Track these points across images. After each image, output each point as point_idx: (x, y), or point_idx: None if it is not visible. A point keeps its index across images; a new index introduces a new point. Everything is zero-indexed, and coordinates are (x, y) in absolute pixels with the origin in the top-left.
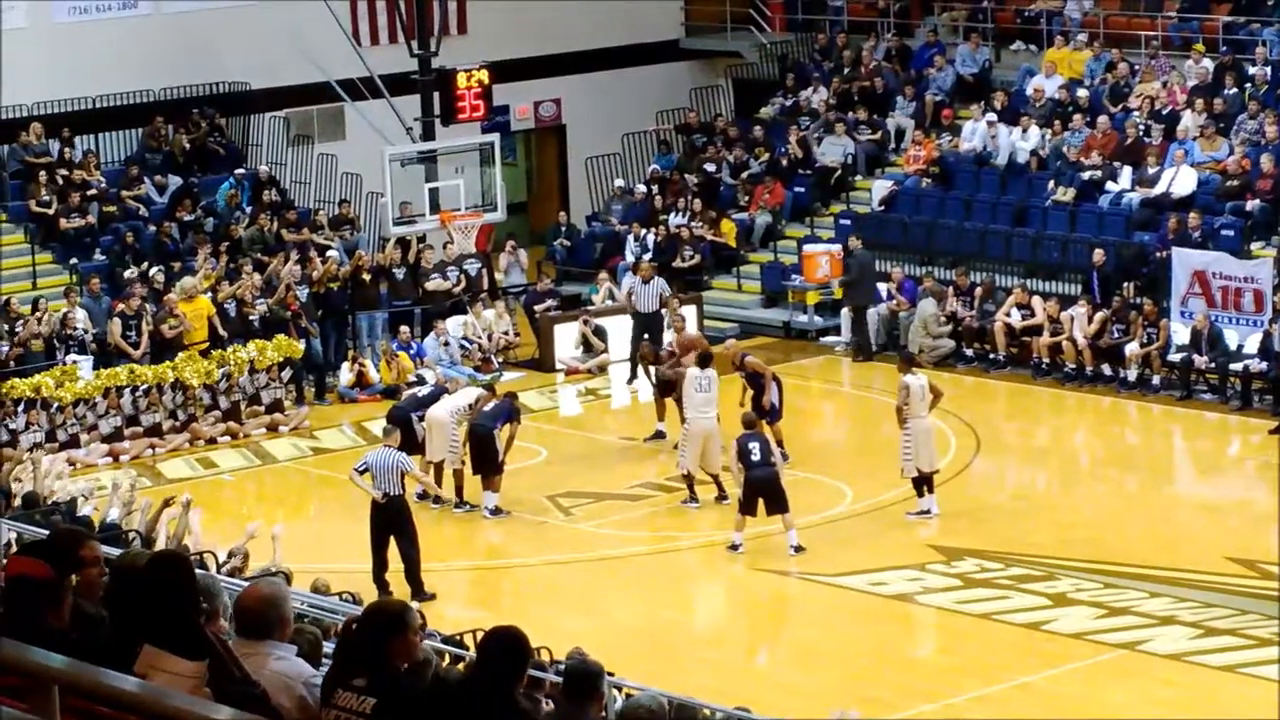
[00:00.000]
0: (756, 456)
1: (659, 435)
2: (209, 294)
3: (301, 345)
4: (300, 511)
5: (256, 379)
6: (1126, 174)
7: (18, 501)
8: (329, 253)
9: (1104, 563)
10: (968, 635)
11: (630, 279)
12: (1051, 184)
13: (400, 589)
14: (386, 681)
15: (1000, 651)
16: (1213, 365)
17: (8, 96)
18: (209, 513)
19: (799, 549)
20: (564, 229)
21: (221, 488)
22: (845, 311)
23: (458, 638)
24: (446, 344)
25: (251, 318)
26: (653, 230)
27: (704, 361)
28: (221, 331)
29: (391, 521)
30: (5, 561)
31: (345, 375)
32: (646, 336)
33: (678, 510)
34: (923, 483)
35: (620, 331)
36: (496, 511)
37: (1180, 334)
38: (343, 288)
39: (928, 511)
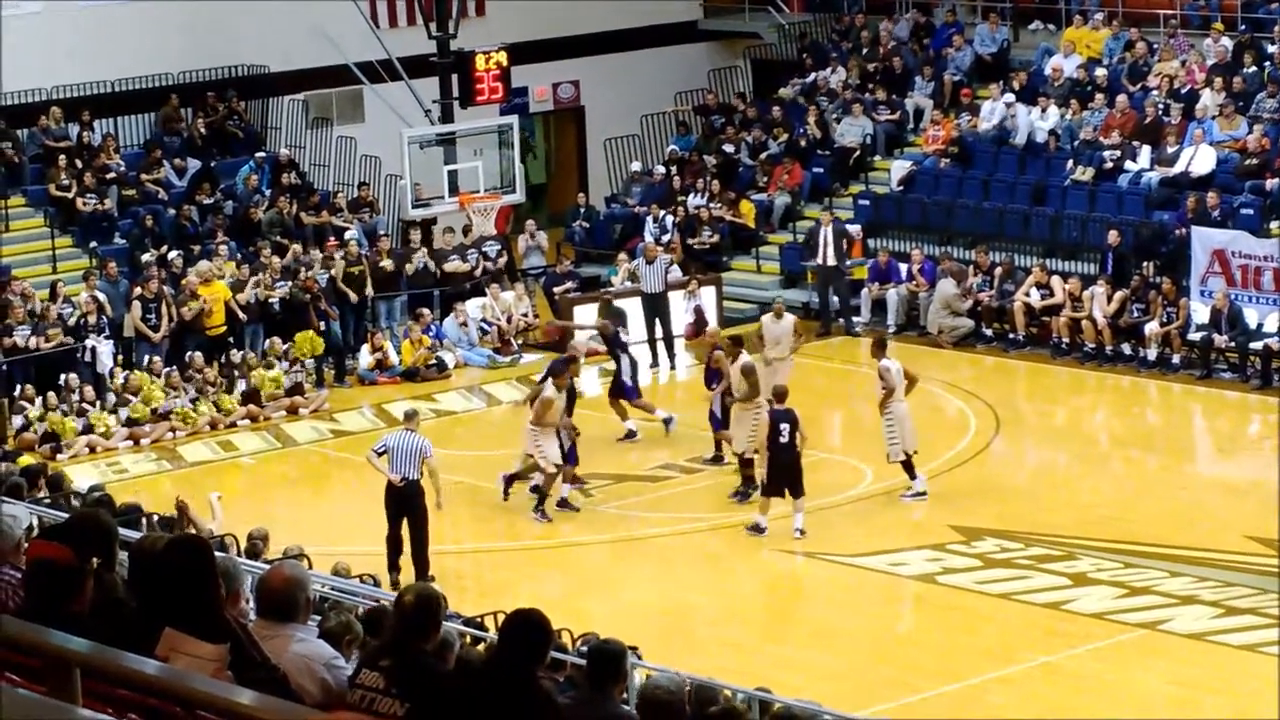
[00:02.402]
0: (785, 439)
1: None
2: (228, 280)
3: (323, 326)
4: (320, 494)
5: (278, 364)
6: (1145, 153)
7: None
8: (348, 234)
9: (1124, 542)
10: (988, 615)
11: (636, 260)
12: (1070, 163)
13: (404, 573)
14: (411, 662)
15: (1020, 631)
16: (1232, 344)
17: (26, 81)
18: (229, 495)
19: (802, 532)
20: (582, 211)
21: (241, 470)
22: (865, 292)
23: (479, 620)
24: (465, 325)
25: (271, 301)
26: (671, 212)
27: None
28: (241, 315)
29: (406, 504)
30: (26, 546)
31: (365, 358)
32: (657, 319)
33: (698, 491)
34: (910, 464)
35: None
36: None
37: (1200, 313)
38: (362, 272)
39: (924, 493)
